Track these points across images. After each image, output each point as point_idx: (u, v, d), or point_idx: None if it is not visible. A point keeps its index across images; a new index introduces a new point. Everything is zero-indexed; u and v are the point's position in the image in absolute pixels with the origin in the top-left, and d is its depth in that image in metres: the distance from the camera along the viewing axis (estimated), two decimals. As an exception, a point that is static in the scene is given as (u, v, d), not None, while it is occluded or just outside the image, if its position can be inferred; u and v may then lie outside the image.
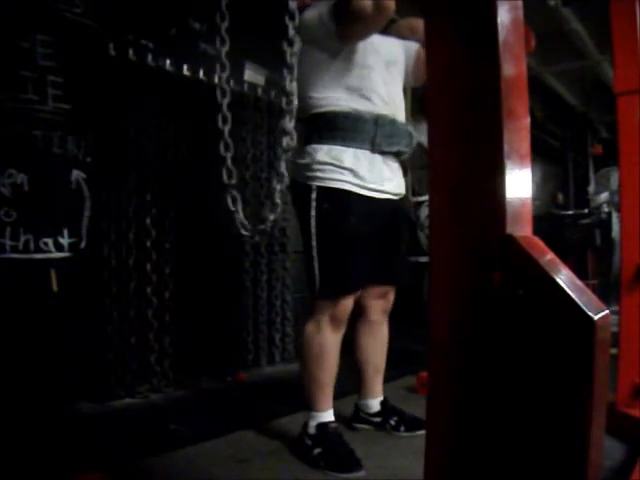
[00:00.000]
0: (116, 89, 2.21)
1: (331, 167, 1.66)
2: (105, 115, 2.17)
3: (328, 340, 1.69)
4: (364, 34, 1.66)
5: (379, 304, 1.89)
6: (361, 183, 1.68)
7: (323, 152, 1.67)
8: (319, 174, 1.67)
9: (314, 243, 1.67)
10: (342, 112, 1.68)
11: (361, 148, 1.68)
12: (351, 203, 1.67)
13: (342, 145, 1.67)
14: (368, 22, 1.58)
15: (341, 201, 1.67)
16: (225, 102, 1.36)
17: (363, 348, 1.91)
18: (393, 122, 1.74)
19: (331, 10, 1.60)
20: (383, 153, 1.72)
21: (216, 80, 1.40)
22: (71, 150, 1.99)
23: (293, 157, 1.58)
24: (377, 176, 1.71)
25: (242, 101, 2.75)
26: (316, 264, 1.67)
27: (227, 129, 1.37)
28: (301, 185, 1.70)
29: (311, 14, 1.66)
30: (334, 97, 1.70)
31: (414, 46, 1.89)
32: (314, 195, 1.66)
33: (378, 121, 1.69)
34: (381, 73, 1.75)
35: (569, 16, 3.30)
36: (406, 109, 1.89)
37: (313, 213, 1.66)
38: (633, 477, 1.45)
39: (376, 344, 1.92)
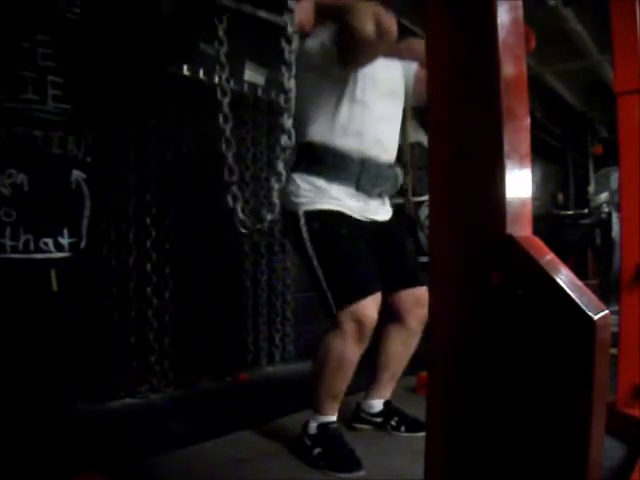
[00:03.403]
0: (116, 89, 2.21)
1: (317, 194, 1.67)
2: (105, 115, 2.17)
3: (350, 353, 1.62)
4: (366, 60, 1.66)
5: (417, 313, 1.83)
6: (348, 211, 1.70)
7: (308, 182, 1.69)
8: (304, 200, 1.68)
9: (315, 263, 1.65)
10: (330, 148, 1.69)
11: (345, 185, 1.69)
12: (340, 218, 1.68)
13: (326, 180, 1.68)
14: (370, 47, 1.58)
15: (330, 219, 1.68)
16: (226, 101, 1.35)
17: (389, 354, 1.86)
18: (380, 165, 1.75)
19: (333, 35, 1.60)
20: (367, 192, 1.73)
21: (216, 80, 1.41)
22: (71, 150, 1.99)
23: (283, 185, 1.61)
24: (363, 208, 1.74)
25: (242, 101, 2.75)
26: (324, 282, 1.64)
27: (229, 127, 1.36)
28: (289, 213, 1.70)
29: (312, 41, 1.66)
30: (325, 131, 1.70)
31: (413, 68, 1.89)
32: (303, 220, 1.67)
33: (365, 162, 1.71)
34: (377, 109, 1.74)
35: (569, 16, 3.29)
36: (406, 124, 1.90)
37: (306, 236, 1.66)
38: (633, 477, 1.45)
39: (404, 354, 1.87)
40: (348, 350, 1.61)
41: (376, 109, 1.74)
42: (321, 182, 1.68)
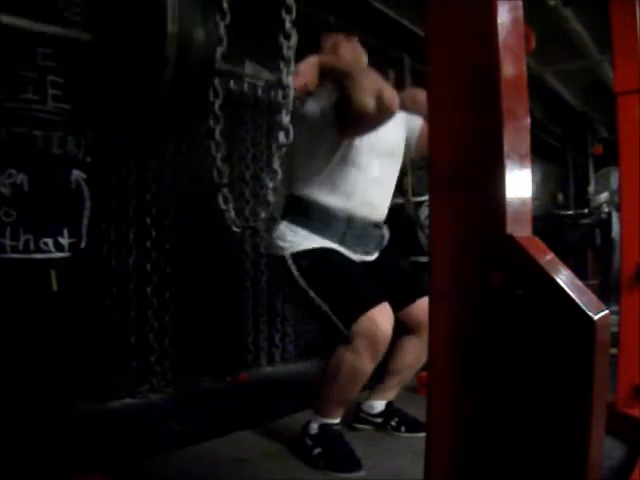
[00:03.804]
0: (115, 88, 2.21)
1: (302, 238, 1.68)
2: (105, 115, 2.17)
3: (363, 368, 1.55)
4: (365, 132, 1.66)
5: (420, 306, 1.80)
6: (335, 247, 1.70)
7: (293, 230, 1.69)
8: (289, 244, 1.68)
9: (312, 294, 1.62)
10: (317, 204, 1.69)
11: (330, 240, 1.69)
12: (328, 251, 1.68)
13: (311, 231, 1.69)
14: (370, 121, 1.57)
15: (318, 253, 1.67)
16: (217, 102, 1.35)
17: (401, 363, 1.84)
18: (367, 224, 1.75)
19: (334, 105, 1.59)
20: (351, 249, 1.73)
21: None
22: (71, 150, 1.99)
23: (270, 232, 1.64)
24: (348, 252, 1.73)
25: (242, 101, 2.75)
26: (326, 307, 1.60)
27: (218, 129, 1.37)
28: (276, 258, 1.71)
29: (314, 105, 1.64)
30: (314, 188, 1.70)
31: (418, 123, 1.88)
32: (290, 261, 1.66)
33: (351, 222, 1.71)
34: (372, 172, 1.73)
35: (569, 16, 3.29)
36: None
37: (296, 274, 1.65)
38: (633, 477, 1.45)
39: (416, 364, 1.85)
40: (362, 365, 1.55)
41: (371, 171, 1.73)
42: (305, 232, 1.68)
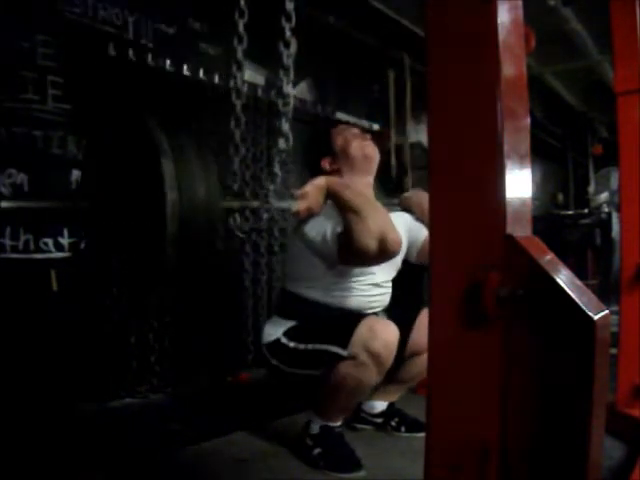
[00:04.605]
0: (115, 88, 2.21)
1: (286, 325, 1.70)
2: (105, 115, 2.17)
3: (366, 379, 1.54)
4: (364, 266, 1.67)
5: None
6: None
7: (280, 323, 1.72)
8: (273, 331, 1.71)
9: (302, 347, 1.63)
10: (309, 301, 1.70)
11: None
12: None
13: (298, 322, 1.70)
14: (370, 260, 1.56)
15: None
16: (239, 103, 1.37)
17: (407, 373, 1.84)
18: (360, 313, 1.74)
19: (335, 236, 1.55)
20: None
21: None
22: (71, 150, 1.99)
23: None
24: None
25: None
26: (320, 344, 1.59)
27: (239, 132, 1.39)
28: (265, 346, 1.73)
29: (315, 229, 1.59)
30: (309, 288, 1.71)
31: (422, 235, 1.86)
32: (281, 337, 1.68)
33: (344, 311, 1.71)
34: (369, 279, 1.74)
35: (569, 16, 3.29)
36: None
37: (281, 339, 1.67)
38: (633, 477, 1.45)
39: (423, 373, 1.81)
40: (366, 378, 1.54)
41: (369, 279, 1.74)
42: (293, 322, 1.70)
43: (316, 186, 1.52)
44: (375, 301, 1.78)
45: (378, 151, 1.82)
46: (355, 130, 1.86)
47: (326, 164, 1.78)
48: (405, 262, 1.90)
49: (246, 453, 1.68)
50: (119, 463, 1.57)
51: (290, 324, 1.69)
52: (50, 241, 1.93)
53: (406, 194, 1.96)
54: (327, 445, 1.62)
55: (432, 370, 0.75)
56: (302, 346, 1.62)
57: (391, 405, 1.92)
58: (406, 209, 1.89)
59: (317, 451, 1.62)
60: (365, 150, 1.78)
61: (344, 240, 1.51)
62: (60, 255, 1.96)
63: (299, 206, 1.44)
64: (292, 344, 1.64)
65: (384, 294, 1.82)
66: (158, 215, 1.18)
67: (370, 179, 1.81)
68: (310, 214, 1.54)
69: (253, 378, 2.67)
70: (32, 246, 1.88)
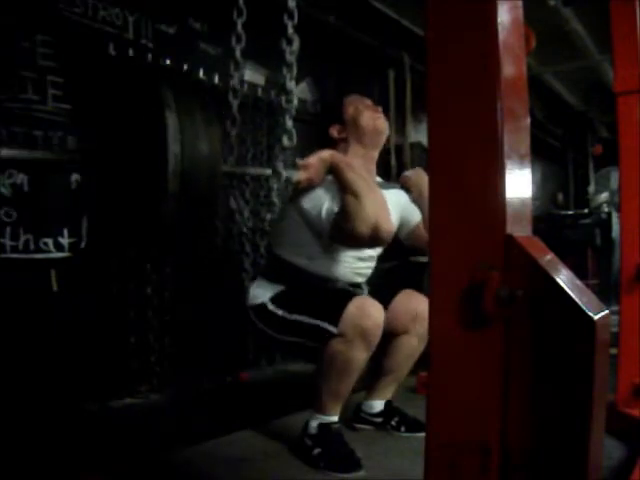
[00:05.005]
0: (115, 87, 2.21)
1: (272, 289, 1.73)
2: (105, 115, 2.17)
3: (356, 358, 1.56)
4: (352, 248, 1.70)
5: (404, 310, 1.83)
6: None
7: (265, 287, 1.74)
8: (260, 292, 1.74)
9: (291, 317, 1.64)
10: (296, 267, 1.72)
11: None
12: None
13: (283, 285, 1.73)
14: (359, 245, 1.62)
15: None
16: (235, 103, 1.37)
17: (395, 361, 1.86)
18: (345, 284, 1.77)
19: (330, 214, 1.56)
20: None
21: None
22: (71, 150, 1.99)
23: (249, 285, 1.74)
24: None
25: (242, 101, 2.74)
26: (309, 318, 1.61)
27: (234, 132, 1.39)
28: (250, 308, 1.77)
29: (312, 202, 1.61)
30: (294, 254, 1.73)
31: (415, 219, 1.89)
32: (268, 303, 1.70)
33: (328, 282, 1.74)
34: (351, 255, 1.75)
35: (569, 16, 3.29)
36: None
37: (269, 306, 1.69)
38: (633, 477, 1.45)
39: (411, 360, 1.87)
40: (355, 355, 1.56)
41: (354, 251, 1.75)
42: (278, 285, 1.73)
43: (321, 159, 1.54)
44: (360, 274, 1.82)
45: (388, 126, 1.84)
46: (368, 101, 1.84)
47: (334, 131, 1.78)
48: (396, 241, 1.91)
49: (246, 453, 1.68)
50: (119, 463, 1.56)
51: (276, 289, 1.71)
52: (50, 241, 1.94)
53: (407, 172, 1.96)
54: (326, 445, 1.62)
55: (432, 370, 0.74)
56: (292, 316, 1.63)
57: (389, 404, 1.92)
58: (405, 188, 1.90)
59: (317, 451, 1.62)
60: (376, 122, 1.77)
61: (338, 220, 1.54)
62: (60, 255, 1.96)
63: (300, 176, 1.45)
64: (280, 312, 1.66)
65: (368, 267, 1.86)
66: (159, 168, 1.18)
67: (375, 154, 1.82)
68: (310, 185, 1.55)
69: (253, 378, 2.67)
70: (32, 246, 1.88)
